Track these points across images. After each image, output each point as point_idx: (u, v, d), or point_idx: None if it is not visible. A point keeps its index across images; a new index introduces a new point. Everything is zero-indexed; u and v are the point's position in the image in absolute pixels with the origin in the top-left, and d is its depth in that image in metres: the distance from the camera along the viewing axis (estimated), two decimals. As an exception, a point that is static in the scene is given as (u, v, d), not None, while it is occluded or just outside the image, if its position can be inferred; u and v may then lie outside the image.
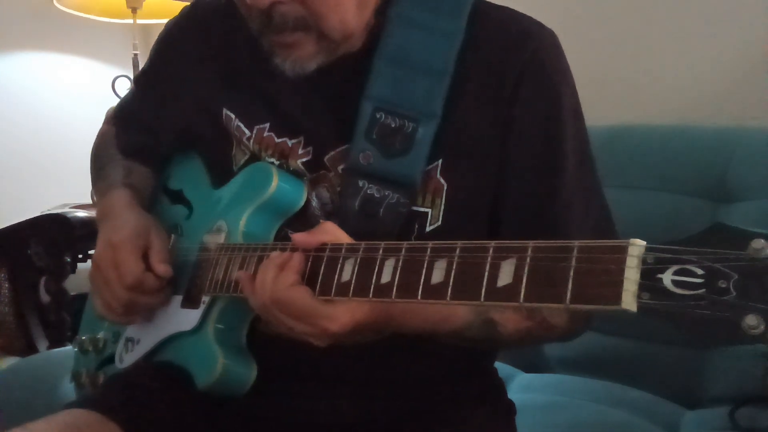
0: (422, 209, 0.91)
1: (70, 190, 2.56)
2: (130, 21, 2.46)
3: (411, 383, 0.96)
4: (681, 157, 1.56)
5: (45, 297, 2.28)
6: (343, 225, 0.85)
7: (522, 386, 1.51)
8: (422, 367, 0.96)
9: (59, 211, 2.29)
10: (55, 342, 2.24)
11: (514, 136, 0.90)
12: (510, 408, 1.05)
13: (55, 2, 2.43)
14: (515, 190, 0.91)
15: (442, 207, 0.90)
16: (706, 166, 1.52)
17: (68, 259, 2.23)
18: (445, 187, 0.90)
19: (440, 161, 0.90)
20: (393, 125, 0.90)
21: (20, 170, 2.64)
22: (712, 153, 1.53)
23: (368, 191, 0.90)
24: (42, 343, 2.27)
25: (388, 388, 0.95)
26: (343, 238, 0.81)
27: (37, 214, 2.29)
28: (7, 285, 2.33)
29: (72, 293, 2.23)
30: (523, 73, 0.90)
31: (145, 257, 0.98)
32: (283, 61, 0.90)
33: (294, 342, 0.81)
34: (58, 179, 2.69)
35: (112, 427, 0.88)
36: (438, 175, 0.90)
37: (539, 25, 0.94)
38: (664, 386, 1.46)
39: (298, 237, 0.81)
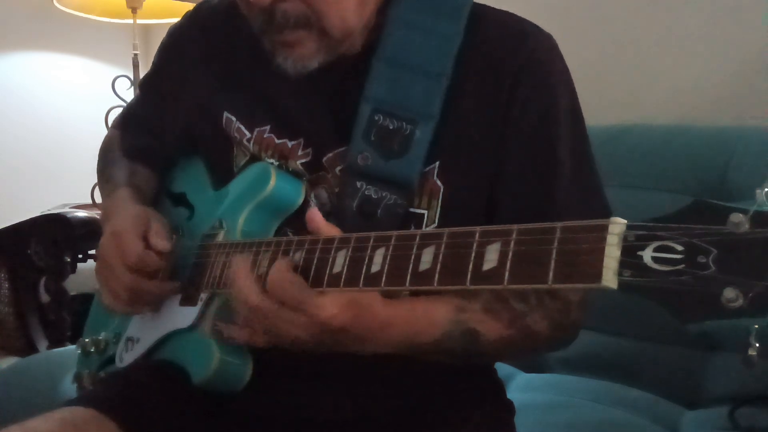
0: (419, 211, 0.91)
1: (70, 190, 2.57)
2: (130, 21, 2.46)
3: (411, 381, 0.96)
4: (681, 157, 1.56)
5: (45, 297, 2.28)
6: (341, 225, 0.85)
7: (522, 386, 1.51)
8: (423, 365, 0.96)
9: (59, 211, 2.29)
10: (55, 342, 2.24)
11: (511, 139, 0.90)
12: (509, 408, 1.05)
13: (55, 2, 2.43)
14: (511, 192, 0.92)
15: (439, 209, 0.91)
16: (706, 166, 1.52)
17: (68, 259, 2.23)
18: (442, 189, 0.91)
19: (437, 163, 0.91)
20: (391, 127, 0.90)
21: (20, 170, 2.64)
22: (712, 153, 1.53)
23: (366, 192, 0.90)
24: (42, 343, 2.27)
25: (388, 386, 0.95)
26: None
27: (37, 214, 2.29)
28: (7, 285, 2.33)
29: (72, 293, 2.24)
30: (520, 75, 0.90)
31: (146, 240, 0.99)
32: (284, 59, 0.90)
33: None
34: (58, 179, 2.69)
35: (109, 425, 0.88)
36: (435, 177, 0.91)
37: (537, 28, 0.94)
38: (664, 386, 1.46)
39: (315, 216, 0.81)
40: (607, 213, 0.93)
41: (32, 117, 2.68)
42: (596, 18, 1.91)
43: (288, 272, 0.77)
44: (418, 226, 0.91)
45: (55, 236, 2.22)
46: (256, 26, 0.90)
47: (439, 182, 0.91)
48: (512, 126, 0.90)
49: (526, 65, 0.90)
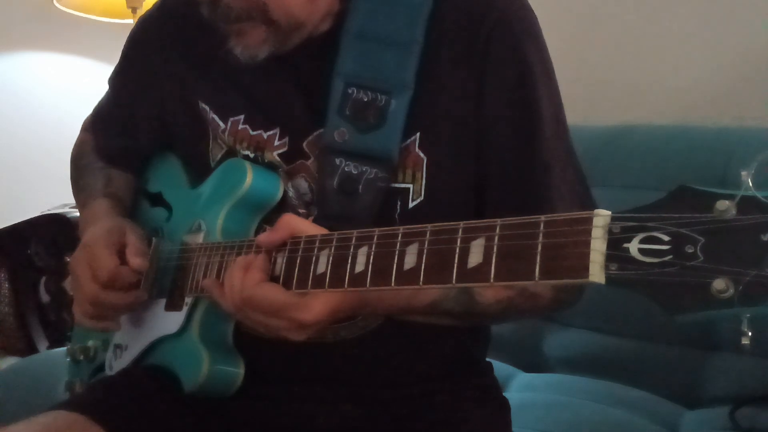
0: (403, 185, 0.90)
1: (70, 190, 2.55)
2: (130, 21, 2.46)
3: (410, 383, 0.96)
4: (681, 157, 1.56)
5: (45, 297, 2.28)
6: (323, 206, 0.85)
7: (522, 386, 1.51)
8: (421, 366, 0.96)
9: (59, 211, 2.29)
10: (55, 342, 2.23)
11: (490, 101, 0.89)
12: (505, 405, 1.05)
13: (55, 2, 2.43)
14: (494, 155, 0.90)
15: (424, 181, 0.90)
16: (706, 166, 1.52)
17: (68, 259, 2.22)
18: (425, 160, 0.89)
19: (418, 134, 0.89)
20: (365, 99, 0.89)
21: (20, 170, 2.64)
22: (712, 153, 1.53)
23: (346, 168, 0.88)
24: (42, 343, 2.27)
25: (388, 389, 0.95)
26: (305, 226, 0.80)
27: (37, 214, 2.29)
28: (7, 285, 2.33)
29: (72, 293, 2.23)
30: (491, 34, 0.89)
31: (122, 255, 0.97)
32: (235, 46, 0.90)
33: (291, 344, 0.80)
34: (58, 179, 2.66)
35: (96, 430, 0.87)
36: (417, 149, 0.89)
37: None
38: (664, 386, 1.46)
39: (261, 238, 0.82)
40: (581, 175, 0.92)
41: (32, 117, 2.67)
42: (596, 18, 1.91)
43: (260, 285, 0.78)
44: (404, 201, 0.90)
45: (55, 236, 2.22)
46: (205, 14, 0.90)
47: (421, 153, 0.89)
48: (490, 88, 0.89)
49: (497, 25, 0.89)
